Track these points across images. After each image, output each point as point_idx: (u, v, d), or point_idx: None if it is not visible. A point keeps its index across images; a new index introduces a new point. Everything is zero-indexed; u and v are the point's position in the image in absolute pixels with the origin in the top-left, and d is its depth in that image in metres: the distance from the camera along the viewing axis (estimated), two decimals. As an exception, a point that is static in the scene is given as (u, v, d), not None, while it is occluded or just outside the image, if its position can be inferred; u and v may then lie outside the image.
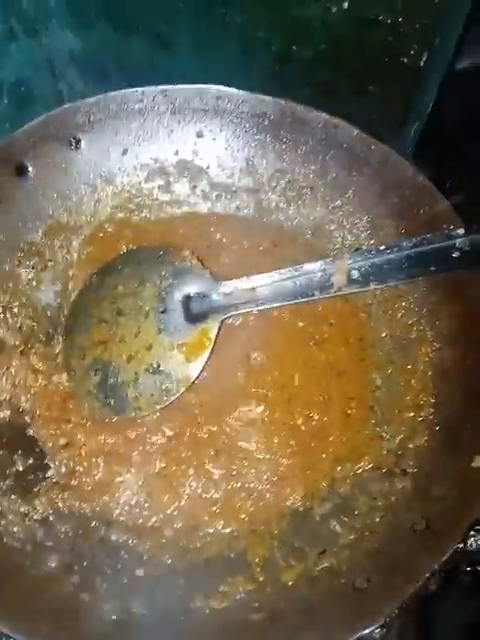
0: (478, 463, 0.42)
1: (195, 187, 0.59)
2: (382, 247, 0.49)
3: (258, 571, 0.43)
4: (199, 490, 0.47)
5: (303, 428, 0.50)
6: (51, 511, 0.46)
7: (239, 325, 0.53)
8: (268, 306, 0.51)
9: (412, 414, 0.49)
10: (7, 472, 0.46)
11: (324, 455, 0.49)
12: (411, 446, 0.47)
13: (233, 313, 0.51)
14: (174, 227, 0.58)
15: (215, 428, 0.49)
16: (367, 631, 0.36)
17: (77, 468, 0.47)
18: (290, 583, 0.42)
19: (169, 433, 0.49)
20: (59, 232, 0.56)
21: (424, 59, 0.59)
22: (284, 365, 0.52)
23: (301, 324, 0.54)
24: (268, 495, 0.47)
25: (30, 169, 0.55)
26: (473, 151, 0.66)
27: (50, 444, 0.48)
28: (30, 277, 0.55)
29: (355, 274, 0.49)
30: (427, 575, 0.38)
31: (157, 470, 0.48)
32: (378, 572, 0.40)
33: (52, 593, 0.40)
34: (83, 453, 0.48)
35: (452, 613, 0.43)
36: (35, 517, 0.45)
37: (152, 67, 0.70)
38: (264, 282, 0.50)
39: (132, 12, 0.67)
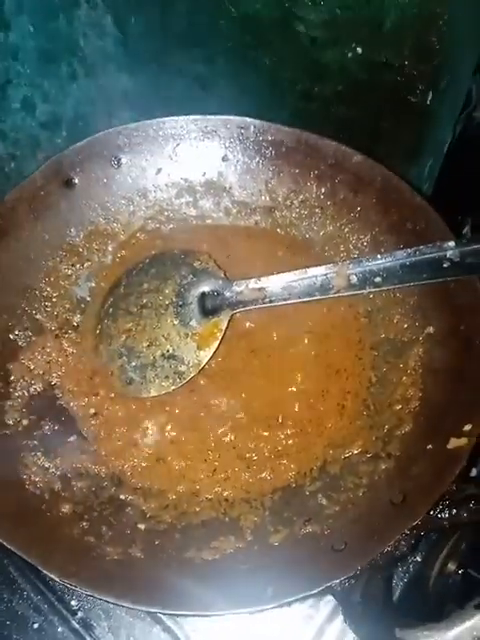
0: (452, 445, 0.45)
1: (219, 204, 0.67)
2: (379, 256, 0.55)
3: (248, 533, 0.48)
4: (203, 459, 0.52)
5: (302, 415, 0.55)
6: (69, 469, 0.51)
7: (250, 321, 0.59)
8: (275, 304, 0.57)
9: (400, 407, 0.53)
10: (35, 434, 0.53)
11: (319, 440, 0.54)
12: (397, 434, 0.51)
13: (243, 309, 0.57)
14: (199, 237, 0.65)
15: (222, 407, 0.55)
16: (337, 581, 0.40)
17: (101, 433, 0.53)
18: (276, 543, 0.46)
19: (181, 408, 0.55)
20: (97, 237, 0.64)
21: (430, 98, 0.66)
22: (288, 360, 0.58)
23: (308, 325, 0.60)
24: (265, 470, 0.52)
25: (76, 182, 0.63)
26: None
27: (81, 414, 0.55)
28: (69, 273, 0.62)
29: (354, 279, 0.55)
30: (397, 538, 0.41)
31: (169, 440, 0.53)
32: (355, 537, 0.44)
33: (64, 533, 0.46)
34: (107, 422, 0.54)
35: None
36: (55, 472, 0.51)
37: (191, 104, 0.79)
38: (273, 283, 0.57)
39: (177, 57, 0.76)
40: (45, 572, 0.42)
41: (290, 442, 0.54)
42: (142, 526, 0.48)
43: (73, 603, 0.56)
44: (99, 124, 0.85)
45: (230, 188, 0.66)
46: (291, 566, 0.43)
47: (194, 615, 0.40)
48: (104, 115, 0.87)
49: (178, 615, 0.42)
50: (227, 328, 0.57)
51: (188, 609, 0.40)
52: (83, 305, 0.62)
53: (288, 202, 0.65)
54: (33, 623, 0.56)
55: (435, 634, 0.35)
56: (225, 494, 0.51)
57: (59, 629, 0.55)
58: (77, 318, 0.61)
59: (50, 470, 0.50)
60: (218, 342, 0.56)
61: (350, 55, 0.64)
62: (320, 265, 0.56)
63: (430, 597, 0.51)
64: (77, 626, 0.55)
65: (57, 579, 0.41)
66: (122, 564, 0.44)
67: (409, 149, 0.71)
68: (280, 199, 0.65)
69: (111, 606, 0.55)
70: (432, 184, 0.75)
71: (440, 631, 0.35)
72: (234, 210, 0.66)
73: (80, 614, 0.56)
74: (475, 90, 0.72)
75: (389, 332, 0.58)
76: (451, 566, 0.52)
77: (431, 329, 0.55)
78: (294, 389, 0.56)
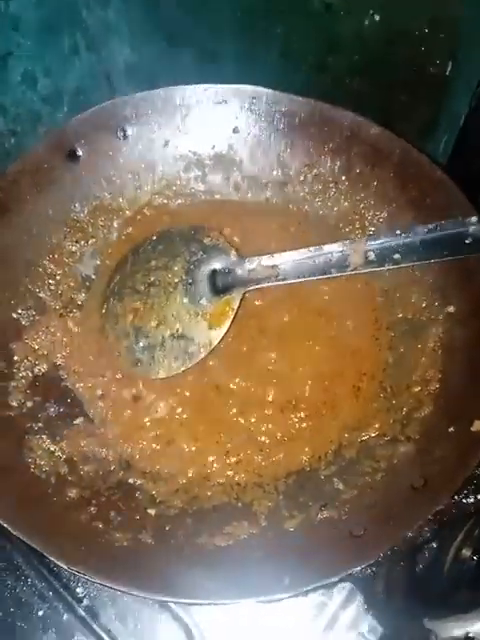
0: (477, 427, 0.43)
1: (228, 178, 0.64)
2: (398, 231, 0.52)
3: (262, 519, 0.46)
4: (214, 442, 0.50)
5: (316, 397, 0.53)
6: (75, 453, 0.49)
7: (259, 300, 0.57)
8: (289, 282, 0.54)
9: (419, 388, 0.51)
10: (39, 416, 0.51)
11: (334, 423, 0.52)
12: (416, 416, 0.49)
13: (255, 287, 0.55)
14: (207, 213, 0.63)
15: (233, 388, 0.53)
16: (358, 569, 0.38)
17: (108, 416, 0.52)
18: (291, 529, 0.44)
19: (191, 390, 0.53)
20: (102, 213, 0.62)
21: (449, 69, 0.63)
22: (303, 341, 0.56)
23: (322, 305, 0.57)
24: (278, 453, 0.50)
25: (80, 154, 0.60)
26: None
27: (87, 395, 0.53)
28: (73, 250, 0.60)
29: (371, 255, 0.53)
30: (420, 523, 0.40)
31: (178, 422, 0.51)
32: (375, 523, 0.42)
33: (71, 519, 0.44)
34: (115, 404, 0.52)
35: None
36: (61, 456, 0.49)
37: (199, 77, 0.76)
38: (286, 259, 0.54)
39: (183, 27, 0.73)
40: (51, 559, 0.40)
41: (303, 425, 0.52)
42: (152, 511, 0.46)
43: (79, 590, 0.54)
44: (102, 98, 0.82)
45: (240, 162, 0.64)
46: (308, 553, 0.41)
47: (207, 604, 0.38)
48: (107, 89, 0.85)
49: (190, 604, 0.40)
50: (239, 307, 0.54)
51: (201, 598, 0.38)
52: (88, 283, 0.60)
53: (301, 177, 0.63)
54: (38, 610, 0.54)
55: (465, 624, 0.34)
56: (237, 478, 0.49)
57: (64, 617, 0.53)
58: (82, 297, 0.59)
59: (56, 453, 0.49)
60: (230, 321, 0.54)
61: (366, 23, 0.61)
62: (335, 242, 0.54)
63: (444, 583, 0.50)
64: (83, 614, 0.53)
65: (64, 567, 0.39)
66: (131, 551, 0.42)
67: (425, 123, 0.68)
68: (292, 173, 0.63)
69: (118, 593, 0.53)
70: (447, 160, 0.73)
71: (470, 621, 0.34)
72: (244, 185, 0.64)
73: (86, 601, 0.54)
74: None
75: (407, 311, 0.56)
76: (466, 552, 0.50)
77: (451, 308, 0.53)
78: (307, 370, 0.54)
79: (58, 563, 0.40)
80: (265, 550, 0.42)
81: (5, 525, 0.41)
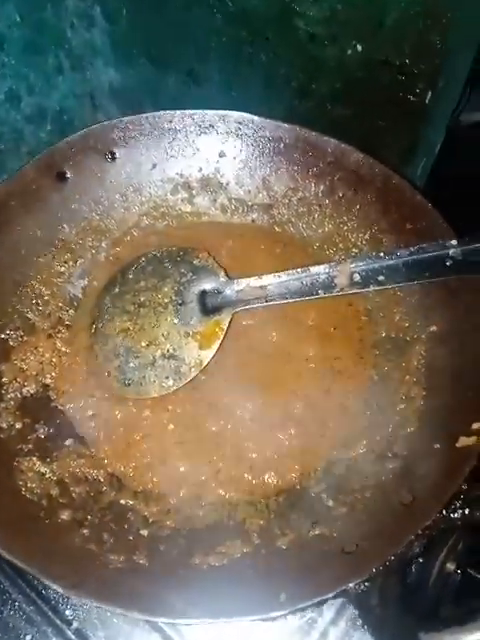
0: (462, 443, 0.45)
1: (215, 200, 0.65)
2: (382, 254, 0.54)
3: (255, 537, 0.46)
4: (207, 461, 0.51)
5: (304, 415, 0.54)
6: (67, 474, 0.49)
7: (247, 319, 0.58)
8: (277, 303, 0.56)
9: (404, 406, 0.52)
10: (29, 438, 0.51)
11: (322, 440, 0.53)
12: (402, 433, 0.50)
13: (244, 307, 0.56)
14: (195, 234, 0.64)
15: (223, 408, 0.53)
16: (351, 585, 0.39)
17: (99, 436, 0.52)
18: (284, 547, 0.45)
19: (182, 409, 0.53)
20: (90, 233, 0.62)
21: (428, 97, 0.66)
22: (289, 359, 0.57)
23: (309, 324, 0.59)
24: (268, 471, 0.51)
25: (69, 175, 0.61)
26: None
27: (77, 416, 0.53)
28: (62, 270, 0.60)
29: (357, 277, 0.54)
30: (410, 538, 0.41)
31: (170, 441, 0.52)
32: (366, 539, 0.43)
33: (63, 542, 0.44)
34: (106, 423, 0.52)
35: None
36: (52, 478, 0.49)
37: (184, 99, 0.78)
38: (273, 281, 0.56)
39: (169, 51, 0.75)
40: (47, 583, 0.39)
41: (293, 442, 0.53)
42: (145, 532, 0.46)
43: (68, 613, 0.54)
44: (85, 119, 0.83)
45: (227, 185, 0.65)
46: (303, 570, 0.42)
47: (206, 623, 0.38)
48: (90, 110, 0.86)
49: (187, 624, 0.41)
50: (229, 327, 0.55)
51: (198, 617, 0.39)
52: (76, 303, 0.60)
53: (286, 200, 0.64)
54: (25, 635, 0.53)
55: (461, 638, 0.35)
56: (228, 496, 0.50)
57: (53, 640, 0.53)
58: (70, 317, 0.59)
59: (46, 475, 0.48)
60: (220, 341, 0.55)
61: (349, 52, 0.64)
62: (320, 263, 0.55)
63: (431, 598, 0.51)
64: (73, 637, 0.53)
65: (61, 591, 0.39)
66: (126, 572, 0.42)
67: (404, 148, 0.70)
68: (278, 196, 0.65)
69: (108, 615, 0.53)
70: (424, 183, 0.76)
71: (465, 634, 0.35)
72: (231, 207, 0.65)
73: (75, 624, 0.53)
74: (468, 92, 0.72)
75: (390, 331, 0.57)
76: (450, 566, 0.52)
77: (434, 328, 0.55)
78: (295, 388, 0.55)
79: (54, 587, 0.40)
80: (259, 568, 0.43)
81: (-1, 550, 0.40)
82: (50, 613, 0.54)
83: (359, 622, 0.41)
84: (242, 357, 0.56)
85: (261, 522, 0.48)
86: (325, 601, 0.37)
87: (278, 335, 0.58)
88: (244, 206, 0.65)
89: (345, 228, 0.62)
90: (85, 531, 0.45)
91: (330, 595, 0.39)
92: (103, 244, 0.63)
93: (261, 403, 0.54)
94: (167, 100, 0.79)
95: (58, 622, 0.53)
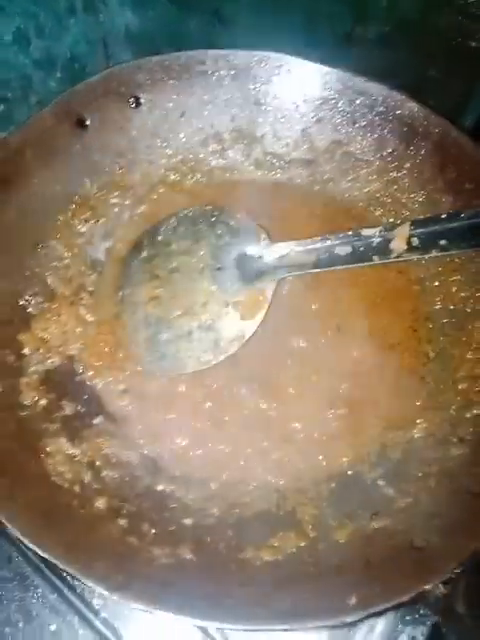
0: None
1: (249, 154, 0.59)
2: (442, 215, 0.49)
3: (309, 528, 0.42)
4: (247, 443, 0.46)
5: (352, 393, 0.49)
6: (97, 456, 0.45)
7: (290, 288, 0.53)
8: (324, 269, 0.50)
9: (467, 385, 0.48)
10: (55, 416, 0.46)
11: (375, 421, 0.48)
12: (468, 416, 0.46)
13: (288, 274, 0.51)
14: (226, 192, 0.58)
15: (266, 384, 0.49)
16: (428, 586, 0.35)
17: (131, 414, 0.47)
18: (342, 541, 0.41)
19: (221, 385, 0.48)
20: (113, 189, 0.56)
21: (490, 43, 0.59)
22: (335, 331, 0.52)
23: (351, 293, 0.54)
24: (316, 454, 0.46)
25: (89, 123, 0.54)
26: None
27: (106, 391, 0.48)
28: (82, 230, 0.54)
29: (415, 241, 0.48)
30: (491, 534, 0.37)
31: (206, 420, 0.47)
32: (437, 533, 0.39)
33: (102, 534, 0.39)
34: (138, 400, 0.48)
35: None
36: (82, 460, 0.44)
37: (209, 45, 0.70)
38: (321, 245, 0.50)
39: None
40: (90, 585, 0.35)
41: (342, 423, 0.48)
42: (188, 521, 0.42)
43: (95, 602, 0.50)
44: (97, 67, 0.76)
45: (262, 137, 0.59)
46: (370, 568, 0.38)
47: (275, 630, 0.34)
48: (102, 56, 0.78)
49: (246, 630, 0.36)
50: (273, 296, 0.50)
51: (265, 623, 0.34)
52: (99, 268, 0.54)
53: (328, 154, 0.58)
54: (49, 625, 0.49)
55: None
56: (274, 481, 0.46)
57: (80, 632, 0.49)
58: (93, 282, 0.53)
59: (77, 458, 0.44)
60: (264, 312, 0.49)
61: (402, -10, 0.57)
62: (366, 226, 0.50)
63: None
64: (101, 627, 0.49)
65: (105, 593, 0.34)
66: (174, 569, 0.38)
67: (457, 101, 0.64)
68: (319, 151, 0.58)
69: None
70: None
71: None
72: (266, 162, 0.59)
73: (104, 614, 0.49)
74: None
75: (447, 302, 0.52)
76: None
77: (497, 300, 0.50)
78: (342, 364, 0.51)
79: (98, 590, 0.35)
80: (319, 565, 0.39)
81: (33, 547, 0.36)
82: (76, 601, 0.50)
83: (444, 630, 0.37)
84: (283, 328, 0.51)
85: (314, 511, 0.43)
86: (400, 605, 0.32)
87: (320, 306, 0.53)
88: (281, 161, 0.59)
89: (395, 187, 0.57)
90: (123, 521, 0.41)
91: (405, 598, 0.35)
92: (127, 202, 0.57)
93: (306, 380, 0.49)
94: (189, 47, 0.71)
95: (85, 611, 0.50)
